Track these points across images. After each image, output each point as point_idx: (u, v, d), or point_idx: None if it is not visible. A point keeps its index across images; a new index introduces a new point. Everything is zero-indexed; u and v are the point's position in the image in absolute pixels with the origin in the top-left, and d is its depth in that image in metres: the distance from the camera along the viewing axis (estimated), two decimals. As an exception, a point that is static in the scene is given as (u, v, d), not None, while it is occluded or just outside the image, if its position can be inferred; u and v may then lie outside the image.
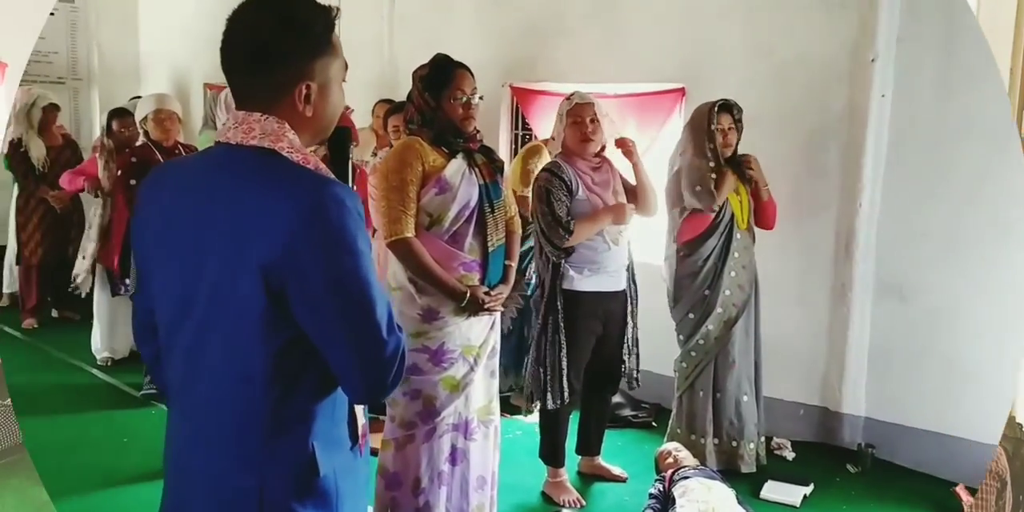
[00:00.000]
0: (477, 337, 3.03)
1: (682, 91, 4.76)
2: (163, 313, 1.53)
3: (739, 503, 3.37)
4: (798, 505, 3.72)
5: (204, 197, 1.44)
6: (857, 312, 4.25)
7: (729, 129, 3.85)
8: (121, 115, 5.53)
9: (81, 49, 7.99)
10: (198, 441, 1.49)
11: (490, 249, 3.00)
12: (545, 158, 4.65)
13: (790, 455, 4.25)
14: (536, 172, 3.77)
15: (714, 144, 3.79)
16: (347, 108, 6.08)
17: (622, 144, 3.63)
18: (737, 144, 3.92)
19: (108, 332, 5.43)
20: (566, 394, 3.58)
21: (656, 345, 4.25)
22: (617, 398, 4.53)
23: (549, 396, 3.58)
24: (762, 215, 3.99)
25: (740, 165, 3.88)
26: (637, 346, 3.74)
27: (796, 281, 4.42)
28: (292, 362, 1.42)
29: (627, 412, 4.65)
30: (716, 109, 3.80)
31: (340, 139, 1.63)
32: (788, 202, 4.26)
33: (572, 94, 3.63)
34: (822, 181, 4.30)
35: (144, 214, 1.55)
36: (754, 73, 4.47)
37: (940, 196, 4.01)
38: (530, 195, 3.84)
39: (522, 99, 5.45)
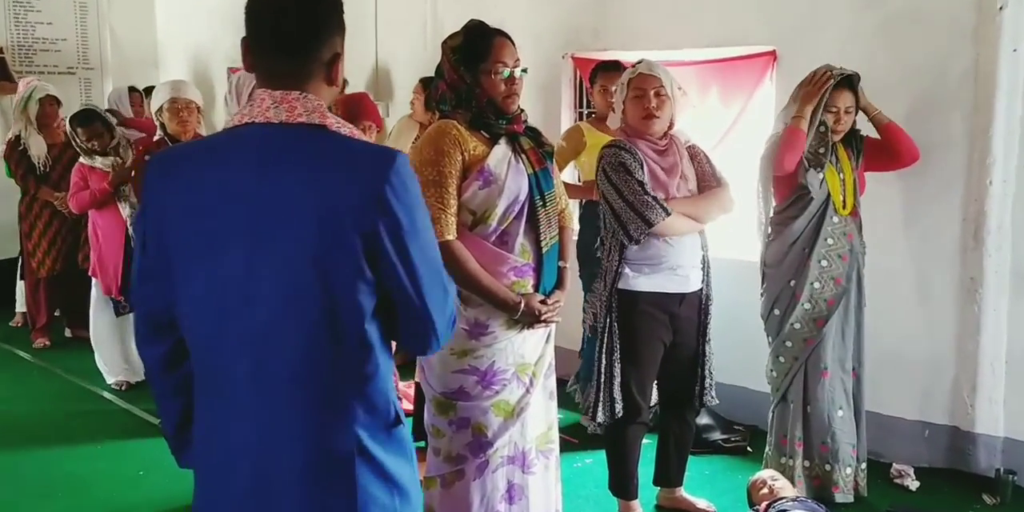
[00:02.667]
0: (532, 353, 3.00)
1: (773, 54, 4.68)
2: (209, 302, 1.69)
3: (849, 543, 3.25)
4: (922, 543, 3.59)
5: (265, 178, 1.64)
6: (990, 312, 4.09)
7: (846, 112, 3.74)
8: (86, 122, 5.43)
9: (92, 35, 8.15)
10: (283, 416, 1.69)
11: (544, 249, 2.96)
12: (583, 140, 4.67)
13: (913, 484, 4.13)
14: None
15: (825, 126, 3.71)
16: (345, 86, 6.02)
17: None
18: (853, 126, 3.82)
19: (120, 354, 5.56)
20: (618, 408, 3.53)
21: (751, 356, 4.16)
22: (705, 419, 4.49)
23: (600, 409, 3.54)
24: (891, 145, 3.85)
25: (853, 146, 3.79)
26: (706, 356, 3.67)
27: (915, 275, 4.29)
28: (376, 324, 1.70)
29: (717, 436, 4.56)
30: (833, 85, 3.69)
31: None
32: (903, 182, 4.13)
33: (638, 62, 3.57)
34: (944, 156, 4.15)
35: (170, 204, 1.70)
36: (858, 30, 4.34)
37: (1089, 170, 3.84)
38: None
39: (586, 72, 5.37)
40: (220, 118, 7.58)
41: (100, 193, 5.31)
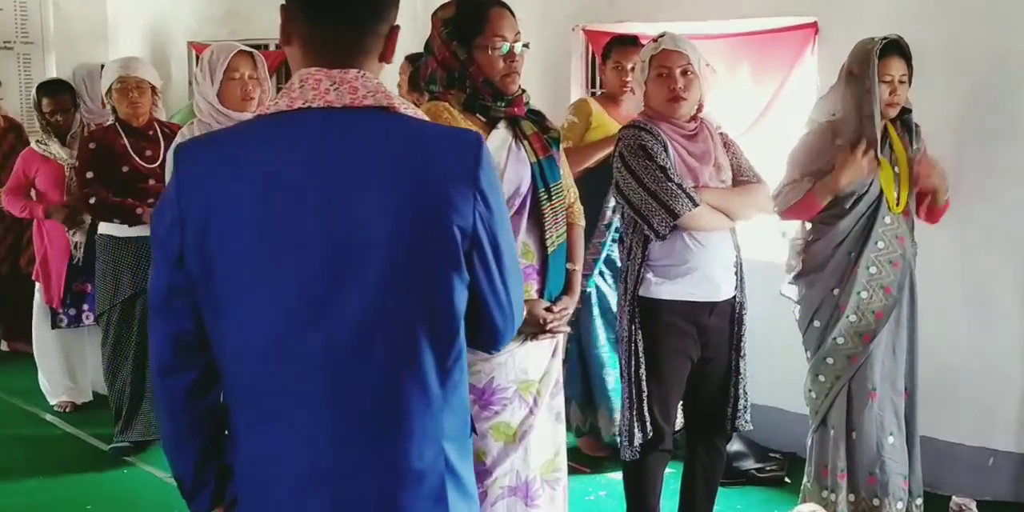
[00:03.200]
0: (536, 368, 3.01)
1: (814, 26, 4.69)
2: (274, 315, 1.68)
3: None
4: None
5: (342, 170, 1.65)
6: (1065, 323, 4.10)
7: (901, 81, 3.70)
8: (54, 91, 5.44)
9: (32, 5, 8.11)
10: (367, 439, 1.71)
11: (550, 249, 2.98)
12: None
13: (976, 519, 4.14)
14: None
15: (871, 104, 3.65)
16: None
17: None
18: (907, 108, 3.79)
19: (65, 371, 5.55)
20: (648, 432, 3.53)
21: (788, 373, 4.17)
22: (737, 446, 4.50)
23: (635, 432, 3.54)
24: (926, 213, 3.94)
25: (909, 129, 3.78)
26: (740, 373, 3.66)
27: (976, 282, 4.29)
28: (463, 325, 1.76)
29: (750, 464, 4.57)
30: (879, 52, 3.64)
31: None
32: (964, 174, 4.12)
33: (660, 36, 3.57)
34: (1011, 144, 4.16)
35: (217, 203, 1.66)
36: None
37: None
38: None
39: (599, 46, 5.38)
40: (178, 98, 7.59)
41: (31, 214, 5.34)
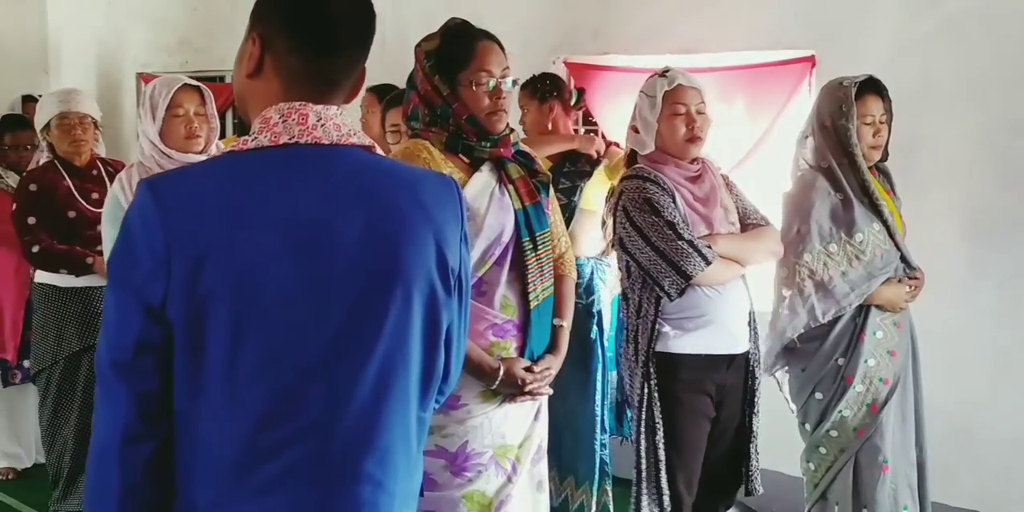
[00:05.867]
0: (515, 432, 2.99)
1: (811, 60, 4.74)
2: (288, 359, 1.67)
3: None
4: None
5: (360, 204, 1.71)
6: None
7: (882, 122, 3.72)
8: (16, 126, 5.44)
9: (-38, 28, 8.08)
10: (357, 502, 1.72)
11: (533, 304, 2.96)
12: None
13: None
14: None
15: (851, 154, 3.66)
16: None
17: None
18: (887, 143, 3.78)
19: (8, 433, 5.49)
20: (665, 507, 3.50)
21: (787, 434, 4.13)
22: (734, 513, 4.46)
23: (644, 507, 3.51)
24: None
25: (887, 176, 3.81)
26: (753, 432, 3.67)
27: (988, 333, 4.32)
28: None
29: (748, 534, 4.54)
30: (855, 90, 3.65)
31: None
32: (970, 221, 4.14)
33: (666, 71, 3.57)
34: (1025, 188, 4.18)
35: (212, 243, 1.64)
36: (912, 32, 4.41)
37: None
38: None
39: (582, 80, 5.41)
40: (130, 133, 7.55)
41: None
